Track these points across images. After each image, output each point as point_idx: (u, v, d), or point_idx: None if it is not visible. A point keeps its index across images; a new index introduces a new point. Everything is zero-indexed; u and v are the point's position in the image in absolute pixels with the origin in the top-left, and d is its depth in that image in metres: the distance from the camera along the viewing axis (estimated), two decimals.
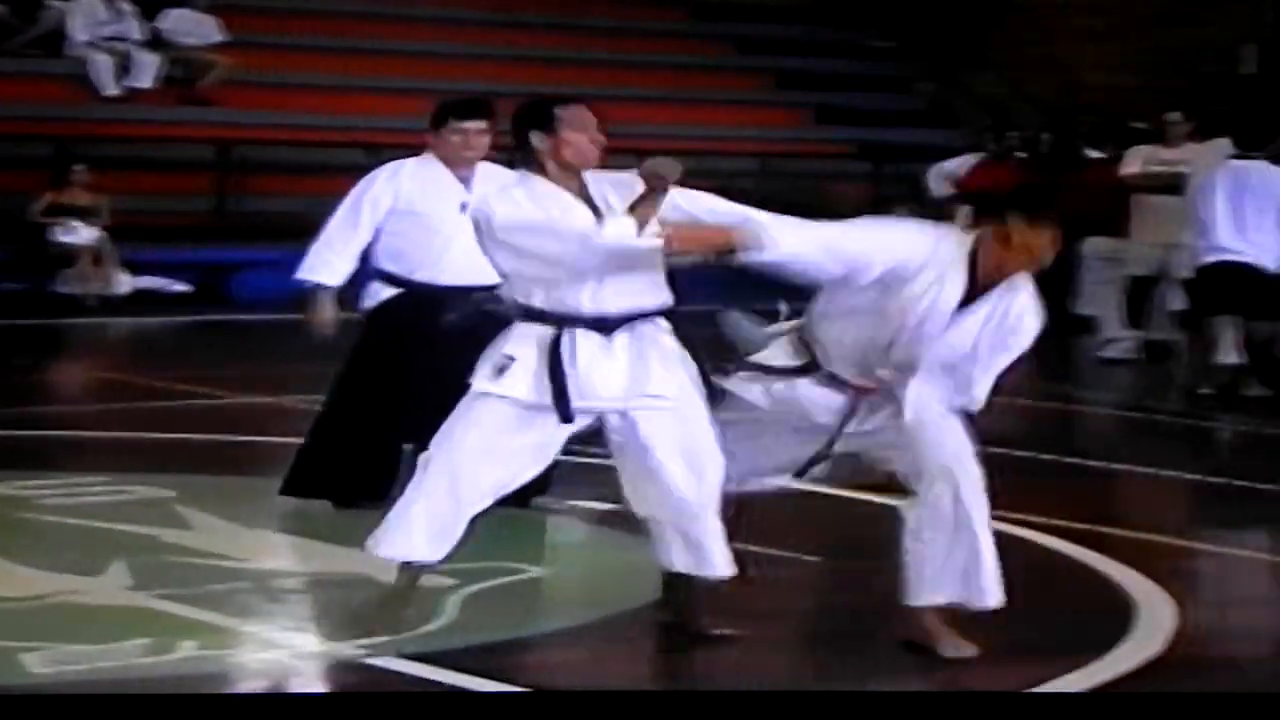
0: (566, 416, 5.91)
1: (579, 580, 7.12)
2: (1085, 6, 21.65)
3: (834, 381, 6.07)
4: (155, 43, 18.52)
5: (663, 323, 6.01)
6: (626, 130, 19.12)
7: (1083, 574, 7.23)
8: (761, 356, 6.14)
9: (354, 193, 7.95)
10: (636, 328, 5.97)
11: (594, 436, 6.14)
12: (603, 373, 5.92)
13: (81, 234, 16.25)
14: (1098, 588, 7.01)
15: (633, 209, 5.90)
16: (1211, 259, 12.19)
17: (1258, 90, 19.94)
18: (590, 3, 21.29)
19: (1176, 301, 13.79)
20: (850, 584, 7.15)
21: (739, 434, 6.06)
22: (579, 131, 6.03)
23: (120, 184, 16.76)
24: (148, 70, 18.25)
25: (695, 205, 6.05)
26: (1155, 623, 6.42)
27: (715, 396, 6.05)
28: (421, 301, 7.80)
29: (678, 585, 6.13)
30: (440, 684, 5.64)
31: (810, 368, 6.09)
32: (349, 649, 5.95)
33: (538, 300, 5.97)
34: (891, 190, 19.53)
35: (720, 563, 6.02)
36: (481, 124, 7.84)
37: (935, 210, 16.75)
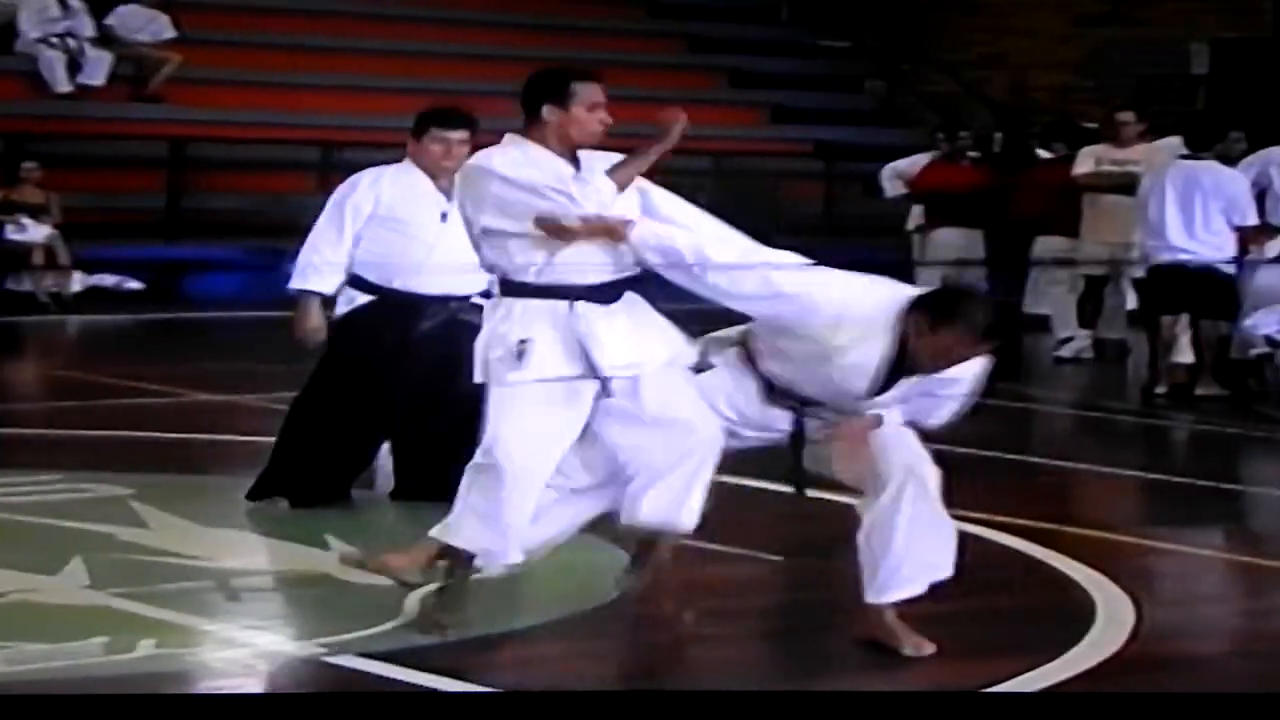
0: (605, 384, 5.93)
1: (543, 578, 7.09)
2: (1033, 6, 21.73)
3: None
4: (106, 39, 18.43)
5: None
6: None
7: (1042, 572, 7.26)
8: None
9: (335, 199, 7.92)
10: (626, 294, 6.02)
11: None
12: (614, 339, 5.96)
13: (32, 232, 16.16)
14: (1057, 586, 7.04)
15: (615, 170, 5.94)
16: (1163, 258, 12.26)
17: (1208, 90, 20.06)
18: (544, 0, 21.29)
19: (1128, 301, 13.89)
20: (810, 582, 7.18)
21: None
22: (591, 110, 6.03)
23: (73, 181, 16.67)
24: (100, 67, 18.16)
25: (660, 206, 6.08)
26: (1115, 621, 6.44)
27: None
28: (396, 310, 7.81)
29: (645, 553, 6.15)
30: (402, 682, 5.63)
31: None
32: (310, 648, 5.94)
33: (541, 276, 5.96)
34: (845, 189, 19.60)
35: (689, 516, 6.02)
36: (464, 134, 7.84)
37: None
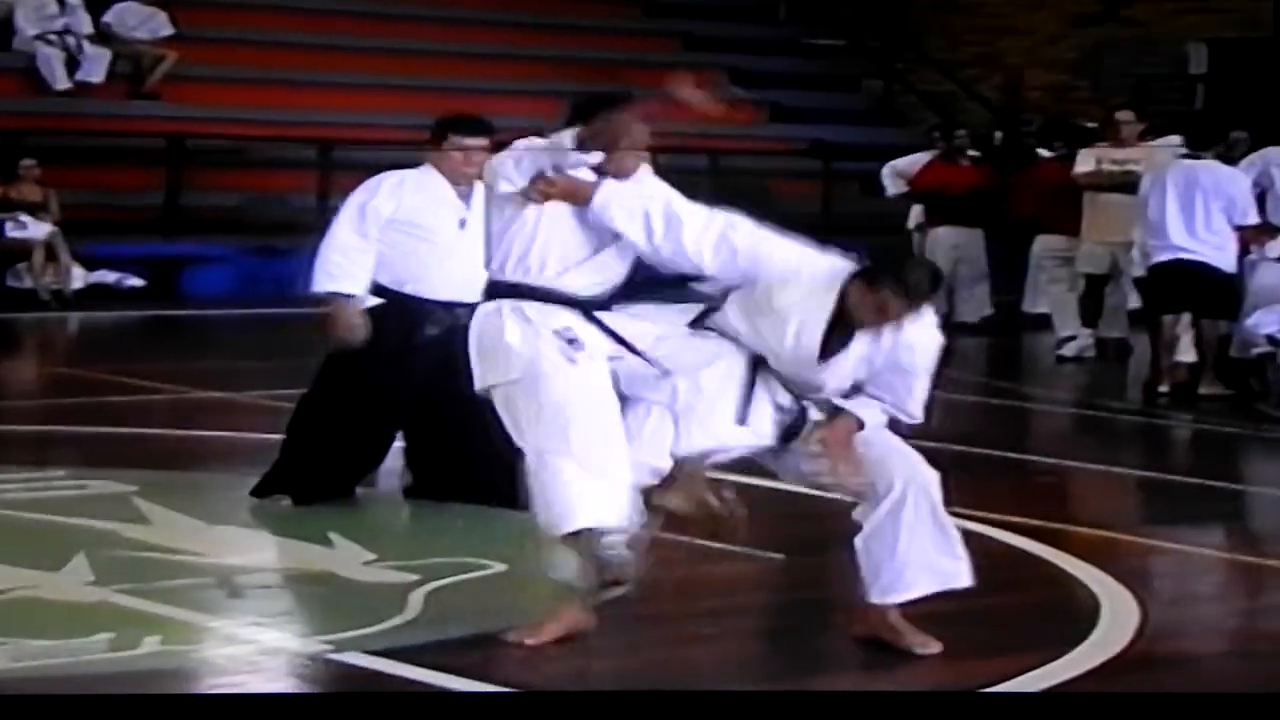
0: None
1: (543, 577, 7.10)
2: (1030, 5, 21.73)
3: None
4: (104, 36, 18.41)
5: None
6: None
7: (1044, 571, 7.26)
8: None
9: (356, 200, 7.90)
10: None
11: None
12: (633, 325, 6.09)
13: (33, 229, 16.14)
14: (1060, 585, 7.04)
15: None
16: (1163, 258, 12.26)
17: (1207, 90, 20.06)
18: None
19: (1129, 300, 13.89)
20: (810, 581, 7.18)
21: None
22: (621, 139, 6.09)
23: (71, 178, 16.66)
24: (98, 64, 18.14)
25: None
26: (1119, 619, 6.44)
27: None
28: (405, 314, 7.80)
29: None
30: (405, 679, 5.63)
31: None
32: (314, 644, 5.93)
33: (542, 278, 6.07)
34: (842, 188, 19.59)
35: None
36: (482, 140, 7.84)
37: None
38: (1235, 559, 7.99)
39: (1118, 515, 8.93)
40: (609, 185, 6.04)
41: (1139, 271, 12.83)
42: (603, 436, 5.88)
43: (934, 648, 5.99)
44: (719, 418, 5.96)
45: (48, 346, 15.01)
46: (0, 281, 16.12)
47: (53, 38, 18.04)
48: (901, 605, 6.04)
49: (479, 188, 7.91)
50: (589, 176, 6.09)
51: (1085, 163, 14.37)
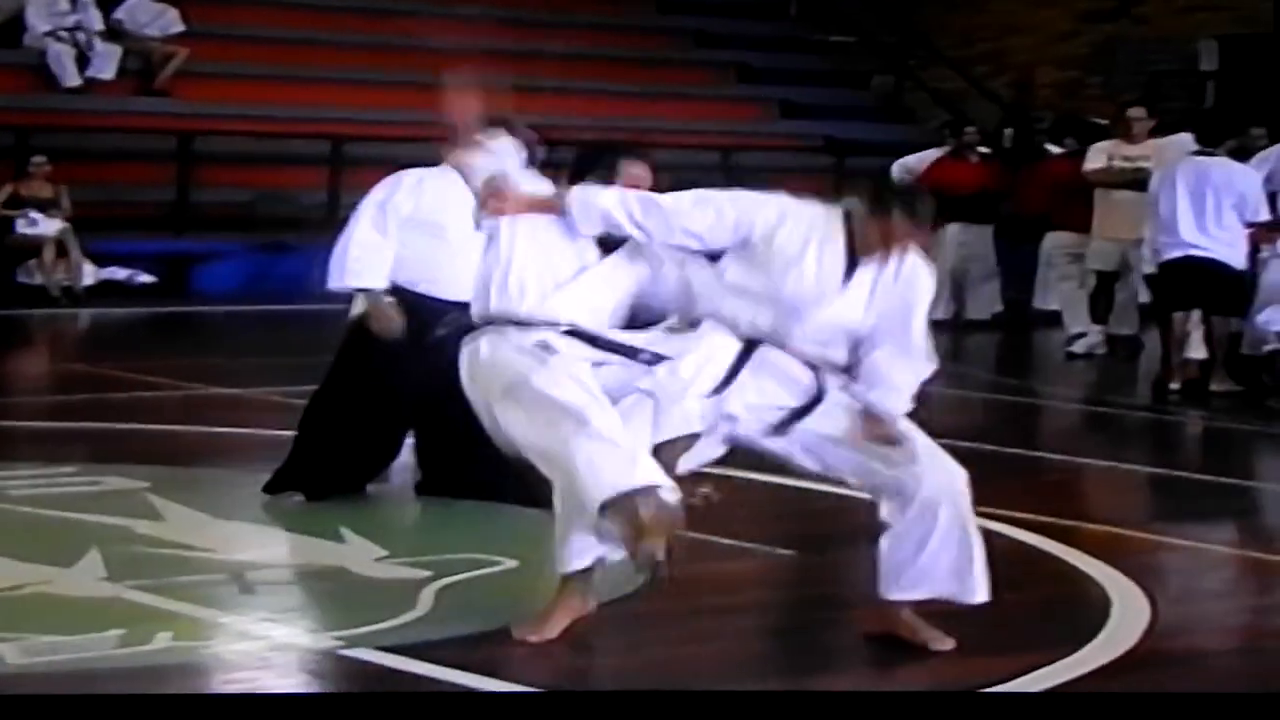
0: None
1: (553, 573, 7.11)
2: (1040, 2, 21.72)
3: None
4: (115, 33, 18.42)
5: None
6: (589, 124, 19.20)
7: (1055, 567, 7.26)
8: None
9: (376, 197, 7.89)
10: None
11: None
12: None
13: (43, 225, 16.16)
14: (1071, 582, 7.04)
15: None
16: (1174, 254, 12.25)
17: (1218, 86, 20.04)
18: None
19: (1140, 296, 13.89)
20: (821, 578, 7.18)
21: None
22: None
23: (81, 175, 16.67)
24: (108, 61, 18.15)
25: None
26: (1130, 616, 6.45)
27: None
28: (417, 313, 7.80)
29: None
30: (417, 675, 5.63)
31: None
32: (325, 640, 5.94)
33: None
34: (853, 184, 19.58)
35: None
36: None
37: None
38: (1246, 555, 7.99)
39: (1128, 512, 8.93)
40: (578, 186, 6.04)
41: (1149, 268, 12.82)
42: (599, 408, 5.83)
43: (948, 644, 6.00)
44: (693, 402, 5.91)
45: (58, 343, 15.03)
46: (11, 278, 16.14)
47: (63, 34, 18.05)
48: (914, 604, 6.04)
49: None
50: (544, 186, 6.10)
51: (1096, 159, 14.37)
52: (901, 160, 16.86)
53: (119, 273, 16.63)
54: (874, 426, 6.02)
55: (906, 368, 6.05)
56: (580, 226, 6.02)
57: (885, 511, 6.06)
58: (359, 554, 7.04)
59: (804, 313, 5.97)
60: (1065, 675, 5.75)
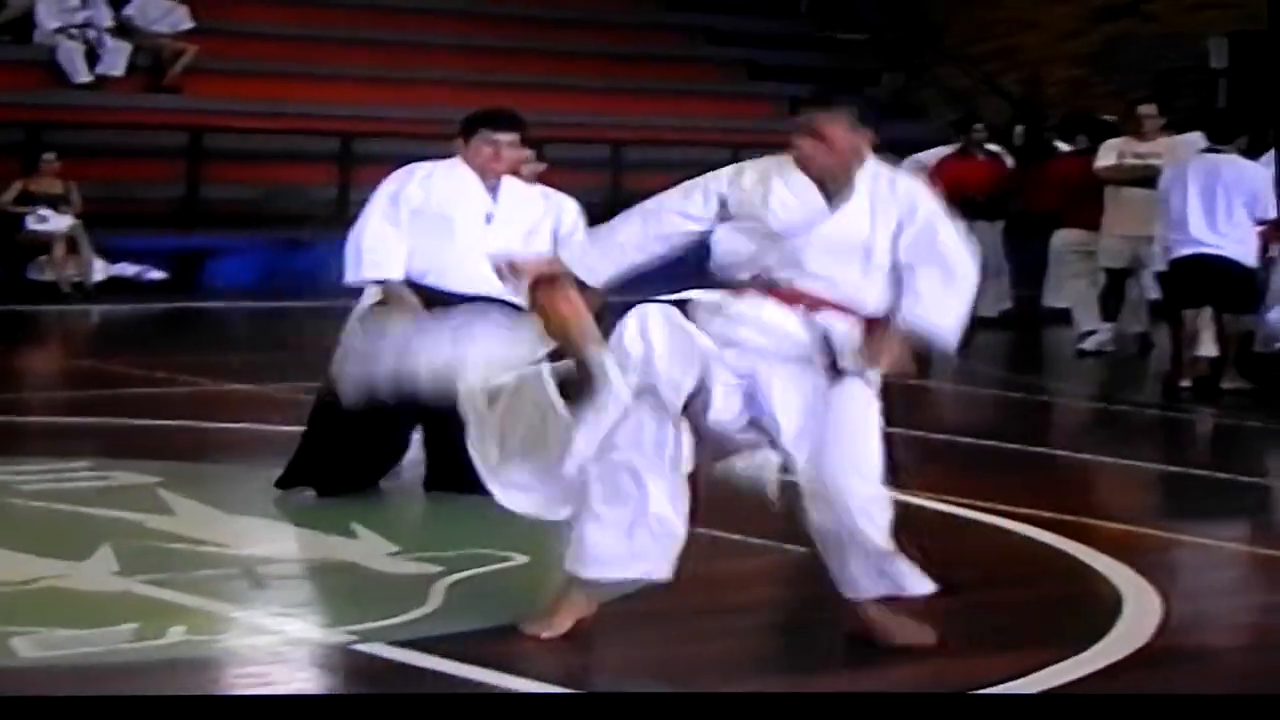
0: None
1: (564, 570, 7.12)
2: None
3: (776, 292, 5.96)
4: (125, 30, 18.45)
5: None
6: (600, 121, 19.24)
7: (1067, 564, 7.25)
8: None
9: (388, 189, 7.90)
10: None
11: None
12: None
13: (54, 222, 16.19)
14: (1082, 579, 7.03)
15: None
16: (1185, 252, 12.25)
17: (1228, 84, 20.03)
18: None
19: (1150, 294, 13.88)
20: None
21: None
22: None
23: (91, 172, 16.70)
24: (118, 58, 18.18)
25: None
26: (1142, 613, 6.44)
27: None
28: (425, 304, 7.80)
29: None
30: (428, 670, 5.64)
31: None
32: (338, 635, 5.95)
33: None
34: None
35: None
36: (513, 136, 7.87)
37: None
38: (1257, 553, 7.98)
39: (1139, 509, 8.92)
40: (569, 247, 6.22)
41: (1160, 266, 12.82)
42: None
43: (927, 638, 5.95)
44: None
45: (69, 339, 15.06)
46: (22, 274, 16.17)
47: (74, 31, 18.09)
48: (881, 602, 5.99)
49: (507, 182, 7.95)
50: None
51: (1106, 156, 14.36)
52: (913, 157, 16.84)
53: (129, 269, 16.66)
54: (894, 346, 5.89)
55: (948, 287, 5.96)
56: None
57: (808, 502, 5.95)
58: (370, 549, 7.05)
59: (805, 238, 5.90)
60: (1077, 672, 5.74)
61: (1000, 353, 15.12)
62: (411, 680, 5.61)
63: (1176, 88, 19.16)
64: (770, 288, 5.93)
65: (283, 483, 7.96)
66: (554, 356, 6.08)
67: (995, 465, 9.49)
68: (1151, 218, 13.00)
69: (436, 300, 7.80)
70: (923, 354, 6.02)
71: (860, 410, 5.90)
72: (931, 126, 20.01)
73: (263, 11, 19.54)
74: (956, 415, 10.53)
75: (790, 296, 5.92)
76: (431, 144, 8.22)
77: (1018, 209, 16.37)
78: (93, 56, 18.11)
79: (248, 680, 5.67)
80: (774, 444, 5.95)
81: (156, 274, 16.77)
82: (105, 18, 18.35)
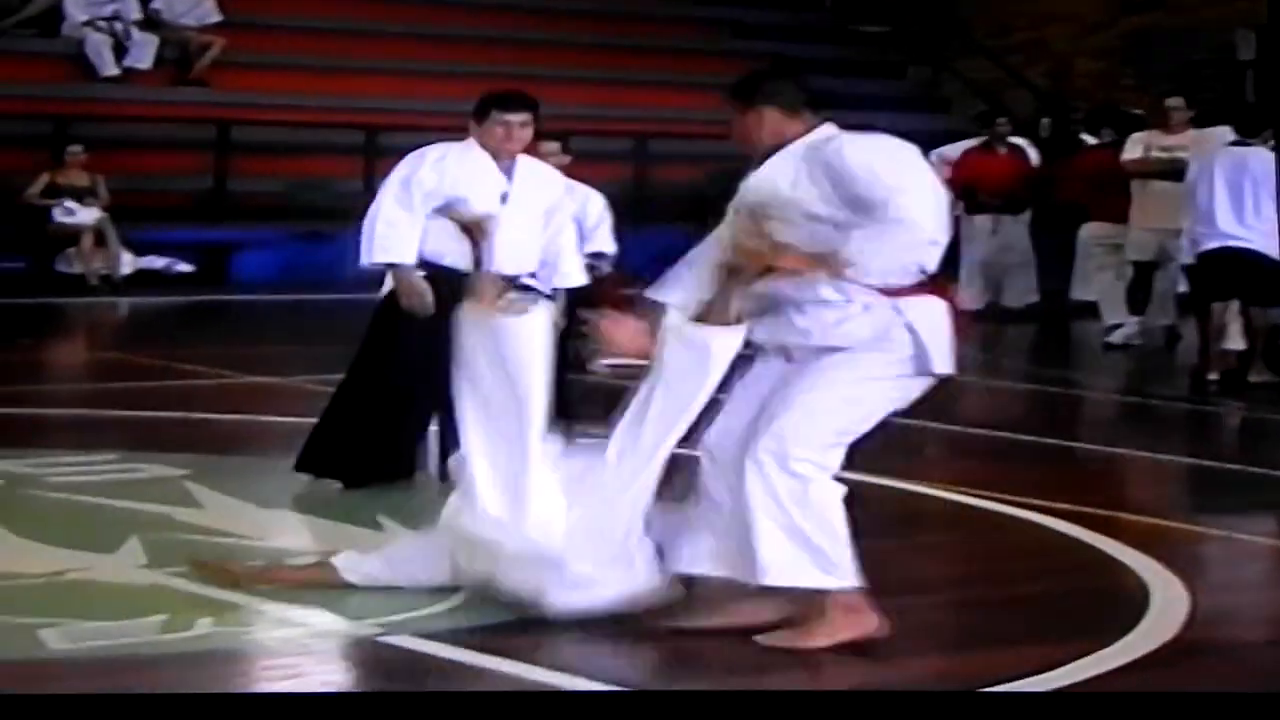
0: None
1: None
2: None
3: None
4: (152, 23, 18.49)
5: None
6: (625, 113, 19.24)
7: (1094, 557, 7.24)
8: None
9: (400, 173, 7.93)
10: None
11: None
12: None
13: (81, 214, 16.23)
14: (1110, 572, 7.02)
15: None
16: (1212, 245, 12.22)
17: (1256, 76, 19.96)
18: None
19: (1179, 287, 13.84)
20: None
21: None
22: None
23: (118, 164, 16.74)
24: (145, 51, 18.22)
25: None
26: (1169, 606, 6.43)
27: None
28: (445, 287, 7.82)
29: None
30: (456, 662, 5.65)
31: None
32: (365, 627, 5.96)
33: None
34: None
35: None
36: (525, 116, 7.88)
37: None
38: None
39: (1166, 502, 8.91)
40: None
41: (1188, 259, 12.79)
42: None
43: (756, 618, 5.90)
44: None
45: (97, 331, 15.10)
46: (50, 266, 16.22)
47: (101, 24, 18.13)
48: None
49: (522, 162, 7.95)
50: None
51: (1133, 149, 14.34)
52: (938, 150, 16.81)
53: (157, 261, 16.71)
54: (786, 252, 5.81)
55: (880, 235, 5.72)
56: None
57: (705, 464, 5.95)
58: (392, 541, 7.05)
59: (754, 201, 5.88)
60: (1104, 666, 5.73)
61: (1027, 346, 15.11)
62: (438, 672, 5.62)
63: (1204, 80, 19.10)
64: None
65: (302, 465, 7.98)
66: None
67: (1022, 459, 9.48)
68: (1179, 211, 12.96)
69: (456, 282, 7.80)
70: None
71: (809, 382, 5.78)
72: (957, 120, 19.99)
73: (289, 5, 19.56)
74: (983, 409, 10.51)
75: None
76: (457, 137, 8.22)
77: (1045, 202, 16.34)
78: (120, 49, 18.15)
79: (275, 672, 5.69)
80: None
81: (184, 266, 16.81)
82: (133, 11, 18.39)
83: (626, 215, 13.16)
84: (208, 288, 16.44)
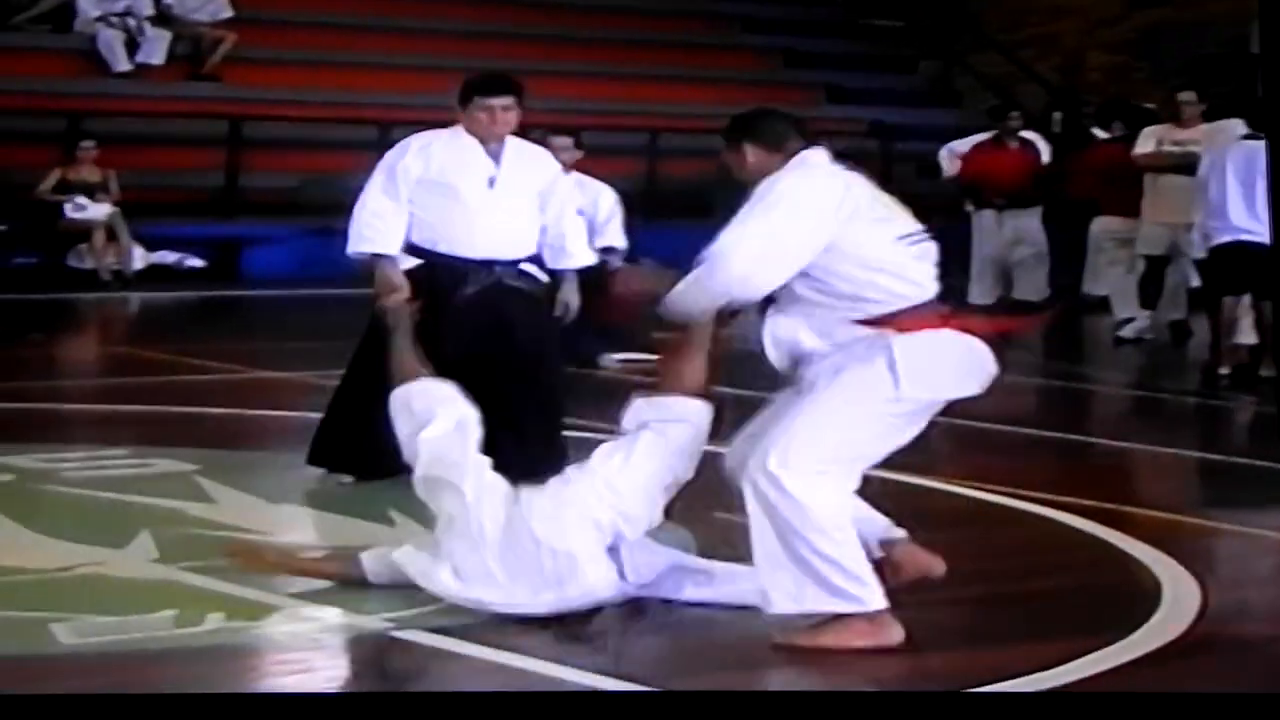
0: None
1: None
2: None
3: None
4: (165, 18, 18.50)
5: None
6: (637, 108, 19.23)
7: (1105, 552, 7.24)
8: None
9: (387, 162, 7.95)
10: None
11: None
12: None
13: (92, 210, 16.24)
14: (1122, 566, 7.02)
15: None
16: (1224, 239, 12.21)
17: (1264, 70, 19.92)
18: None
19: (1190, 281, 13.83)
20: None
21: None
22: None
23: (130, 160, 16.75)
24: (158, 46, 18.23)
25: None
26: (1181, 601, 6.42)
27: None
28: (442, 274, 7.83)
29: None
30: (467, 657, 5.66)
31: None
32: (377, 622, 5.97)
33: None
34: (900, 169, 19.55)
35: None
36: (507, 100, 7.87)
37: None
38: None
39: (1178, 497, 8.90)
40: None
41: (1199, 253, 12.78)
42: None
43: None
44: None
45: (109, 326, 15.11)
46: (62, 262, 16.24)
47: (114, 19, 18.14)
48: None
49: (511, 145, 7.93)
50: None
51: (1145, 143, 14.32)
52: (949, 145, 16.82)
53: (169, 257, 16.72)
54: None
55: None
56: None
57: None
58: (409, 536, 7.04)
59: None
60: (1116, 660, 5.73)
61: (1039, 340, 15.08)
62: (449, 667, 5.63)
63: (1216, 74, 19.07)
64: None
65: (313, 460, 7.98)
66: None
67: (1033, 454, 9.48)
68: (1190, 205, 12.95)
69: (453, 268, 7.80)
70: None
71: (809, 401, 5.80)
72: (968, 114, 19.97)
73: (302, 0, 19.57)
74: (995, 403, 10.49)
75: None
76: None
77: (1056, 197, 16.32)
78: (132, 45, 18.16)
79: (285, 667, 5.70)
80: None
81: (195, 262, 16.83)
82: (145, 6, 18.40)
83: (638, 210, 13.17)
84: (219, 283, 16.45)
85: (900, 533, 6.06)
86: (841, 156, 6.29)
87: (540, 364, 7.97)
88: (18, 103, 16.89)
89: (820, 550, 5.68)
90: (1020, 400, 11.19)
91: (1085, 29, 21.62)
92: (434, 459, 6.34)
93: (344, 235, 8.13)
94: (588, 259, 8.34)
